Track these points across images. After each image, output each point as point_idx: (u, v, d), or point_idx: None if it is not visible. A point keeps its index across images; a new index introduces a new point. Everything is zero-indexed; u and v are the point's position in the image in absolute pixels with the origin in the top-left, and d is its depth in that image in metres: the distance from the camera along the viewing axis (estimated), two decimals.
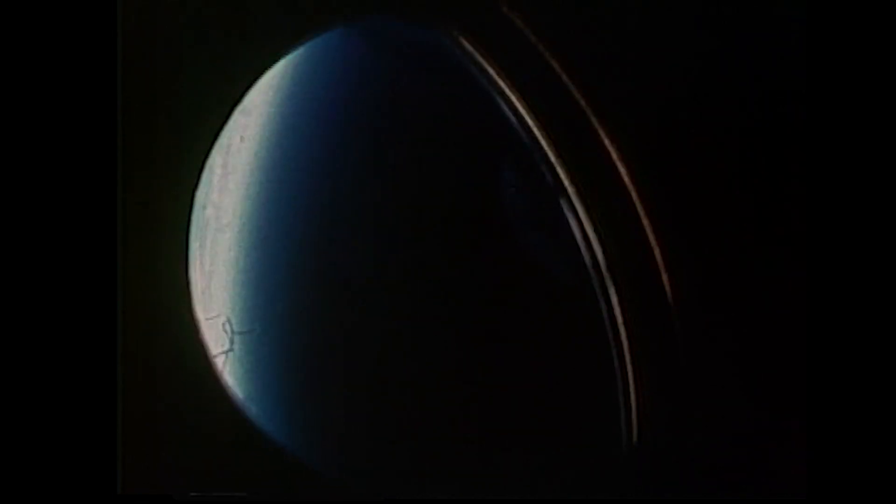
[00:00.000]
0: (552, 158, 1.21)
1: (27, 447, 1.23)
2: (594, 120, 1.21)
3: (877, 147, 1.24)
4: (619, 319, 1.21)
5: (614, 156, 1.21)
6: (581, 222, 1.21)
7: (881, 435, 1.22)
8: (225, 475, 1.24)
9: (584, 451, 1.23)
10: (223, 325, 1.24)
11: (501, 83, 1.22)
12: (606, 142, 1.21)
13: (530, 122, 1.22)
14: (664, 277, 1.21)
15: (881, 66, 1.24)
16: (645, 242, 1.21)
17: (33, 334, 1.24)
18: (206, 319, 1.22)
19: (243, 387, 1.25)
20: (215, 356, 1.23)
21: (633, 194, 1.21)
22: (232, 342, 1.24)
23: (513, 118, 1.22)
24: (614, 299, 1.21)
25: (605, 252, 1.21)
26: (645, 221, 1.21)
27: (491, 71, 1.22)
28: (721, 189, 1.22)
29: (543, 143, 1.21)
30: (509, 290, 1.22)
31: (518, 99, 1.22)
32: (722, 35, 1.22)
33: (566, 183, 1.21)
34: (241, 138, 1.27)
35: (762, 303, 1.22)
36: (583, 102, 1.22)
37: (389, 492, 1.24)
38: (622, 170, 1.21)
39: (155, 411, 1.25)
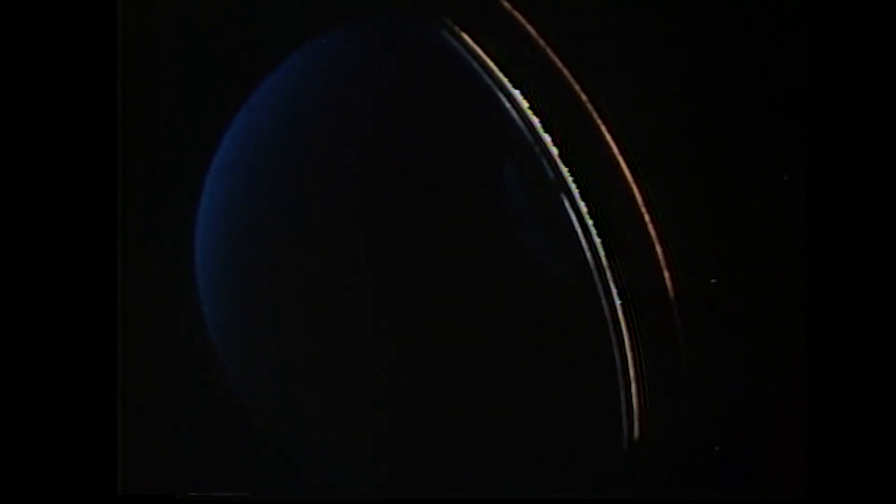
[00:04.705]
0: (553, 154, 1.21)
1: (27, 447, 1.24)
2: (596, 116, 1.21)
3: (877, 147, 1.24)
4: (621, 317, 1.21)
5: (616, 152, 1.21)
6: (583, 219, 1.21)
7: (881, 435, 1.22)
8: (225, 475, 1.25)
9: (585, 449, 1.23)
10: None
11: (503, 78, 1.22)
12: (608, 138, 1.21)
13: (532, 117, 1.21)
14: (666, 275, 1.21)
15: (881, 66, 1.24)
16: (647, 240, 1.21)
17: (33, 334, 1.25)
18: None
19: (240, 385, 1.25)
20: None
21: (636, 191, 1.21)
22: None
23: (514, 114, 1.22)
24: (615, 297, 1.21)
25: (606, 249, 1.21)
26: (647, 218, 1.21)
27: (492, 66, 1.22)
28: (723, 187, 1.22)
29: (545, 139, 1.21)
30: (509, 288, 1.22)
31: (519, 94, 1.22)
32: (723, 33, 1.22)
33: (568, 179, 1.21)
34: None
35: (762, 301, 1.22)
36: (584, 98, 1.21)
37: (389, 492, 1.24)
38: (624, 166, 1.21)
39: (155, 411, 1.25)
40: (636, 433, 1.21)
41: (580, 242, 1.20)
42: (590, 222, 1.20)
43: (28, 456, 1.23)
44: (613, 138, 1.21)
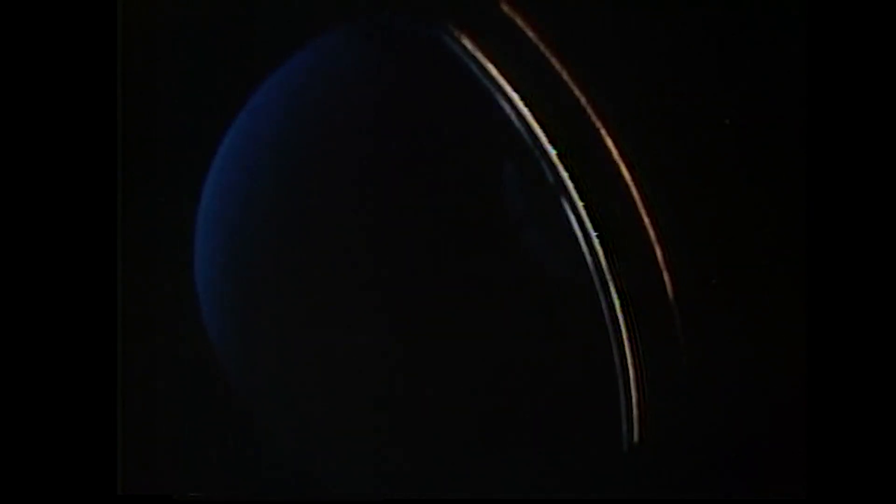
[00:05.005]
0: (553, 156, 1.21)
1: (27, 447, 1.24)
2: (595, 118, 1.21)
3: (877, 147, 1.24)
4: (620, 318, 1.21)
5: (615, 153, 1.21)
6: (582, 220, 1.21)
7: (881, 435, 1.22)
8: (225, 475, 1.25)
9: (585, 450, 1.23)
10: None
11: (501, 81, 1.22)
12: (607, 139, 1.21)
13: (530, 120, 1.21)
14: (665, 276, 1.21)
15: (881, 66, 1.24)
16: (646, 241, 1.21)
17: (33, 334, 1.25)
18: None
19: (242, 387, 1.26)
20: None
21: (634, 192, 1.21)
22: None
23: (513, 116, 1.22)
24: (615, 298, 1.21)
25: (605, 250, 1.21)
26: (646, 220, 1.21)
27: (491, 68, 1.22)
28: (722, 188, 1.22)
29: (544, 141, 1.21)
30: (509, 289, 1.22)
31: (518, 97, 1.22)
32: (722, 34, 1.22)
33: (567, 181, 1.21)
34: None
35: (762, 302, 1.22)
36: (584, 100, 1.21)
37: (389, 492, 1.24)
38: (623, 167, 1.21)
39: (155, 411, 1.25)
40: (636, 434, 1.21)
41: (580, 244, 1.20)
42: (589, 224, 1.20)
43: (28, 456, 1.23)
44: (613, 140, 1.21)
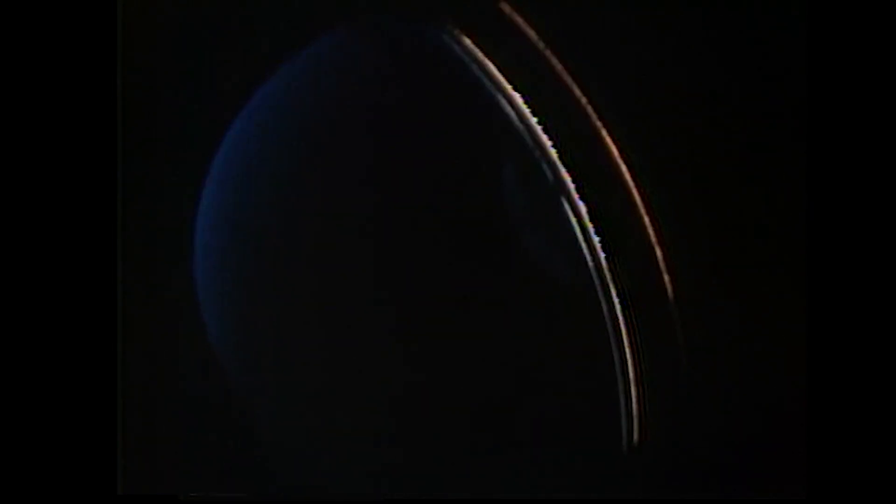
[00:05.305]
0: (553, 157, 1.21)
1: (27, 447, 1.24)
2: (595, 119, 1.21)
3: (877, 148, 1.24)
4: (620, 320, 1.21)
5: (615, 155, 1.21)
6: (582, 222, 1.21)
7: (881, 435, 1.22)
8: (225, 475, 1.25)
9: (584, 450, 1.23)
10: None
11: (501, 80, 1.22)
12: (608, 140, 1.21)
13: (531, 120, 1.21)
14: (665, 278, 1.21)
15: (881, 67, 1.24)
16: (646, 241, 1.21)
17: (33, 334, 1.25)
18: None
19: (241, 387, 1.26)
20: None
21: (635, 194, 1.21)
22: None
23: (513, 117, 1.22)
24: (615, 299, 1.21)
25: (606, 252, 1.21)
26: (646, 221, 1.21)
27: (491, 68, 1.22)
28: (722, 189, 1.22)
29: (544, 142, 1.21)
30: (509, 290, 1.22)
31: (519, 97, 1.22)
32: (723, 35, 1.22)
33: (567, 182, 1.21)
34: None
35: (762, 303, 1.22)
36: (584, 101, 1.21)
37: (389, 492, 1.24)
38: (623, 169, 1.21)
39: (155, 411, 1.25)
40: (636, 435, 1.21)
41: (580, 245, 1.20)
42: (589, 225, 1.20)
43: (28, 456, 1.23)
44: (613, 141, 1.21)
